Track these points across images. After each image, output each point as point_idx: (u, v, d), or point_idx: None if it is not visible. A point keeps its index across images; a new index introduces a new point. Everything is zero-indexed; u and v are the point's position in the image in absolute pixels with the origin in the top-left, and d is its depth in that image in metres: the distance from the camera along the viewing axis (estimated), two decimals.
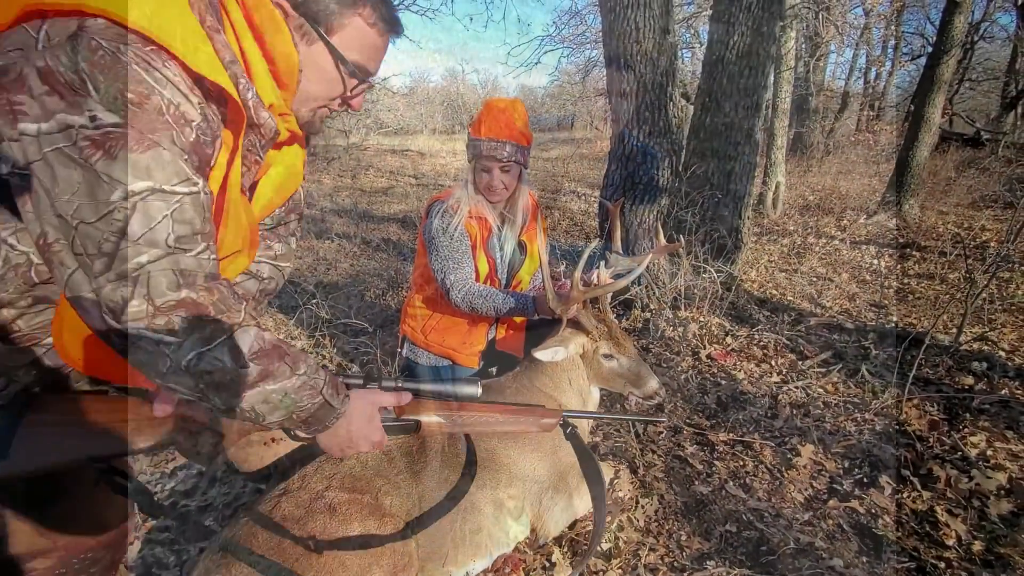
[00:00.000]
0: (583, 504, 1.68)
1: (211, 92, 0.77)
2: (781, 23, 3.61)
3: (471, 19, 33.28)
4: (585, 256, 1.57)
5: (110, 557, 1.10)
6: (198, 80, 0.74)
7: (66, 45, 0.65)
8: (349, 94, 0.97)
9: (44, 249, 0.71)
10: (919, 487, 1.82)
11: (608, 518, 1.71)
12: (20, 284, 0.79)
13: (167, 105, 0.70)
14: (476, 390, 1.11)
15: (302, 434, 0.94)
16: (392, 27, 0.94)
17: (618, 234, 2.01)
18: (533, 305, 1.80)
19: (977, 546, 1.59)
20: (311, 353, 2.91)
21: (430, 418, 1.07)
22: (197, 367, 0.74)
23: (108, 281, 0.69)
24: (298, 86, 0.91)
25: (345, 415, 0.95)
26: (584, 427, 1.77)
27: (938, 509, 1.72)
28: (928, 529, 1.67)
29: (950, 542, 1.61)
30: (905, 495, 1.80)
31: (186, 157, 0.73)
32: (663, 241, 2.01)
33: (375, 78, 0.99)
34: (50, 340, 0.83)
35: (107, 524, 1.05)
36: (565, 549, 1.61)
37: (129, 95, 0.67)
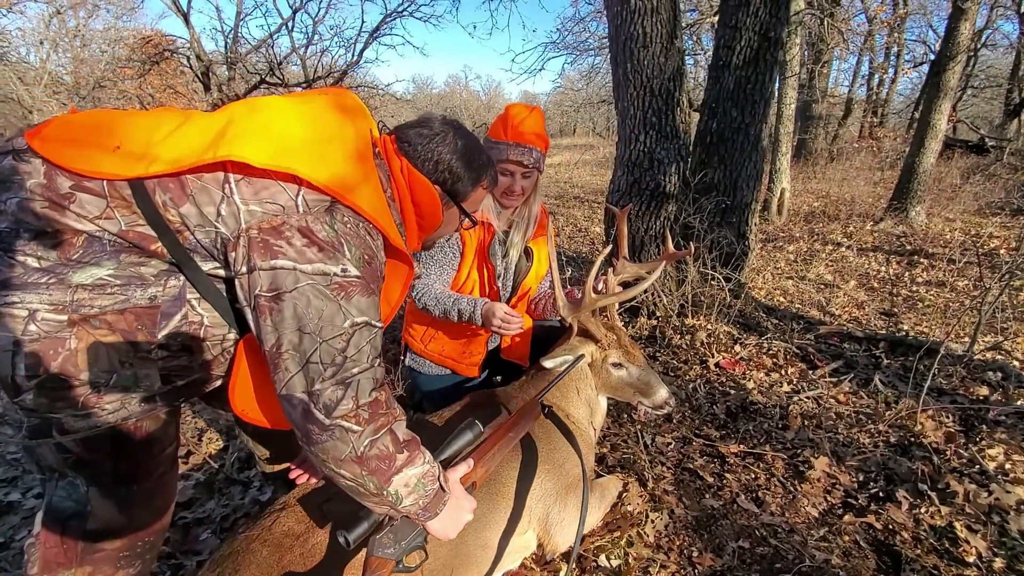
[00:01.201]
0: (592, 518, 1.63)
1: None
2: (787, 28, 3.59)
3: (475, 27, 33.56)
4: (598, 263, 1.54)
5: (158, 545, 1.18)
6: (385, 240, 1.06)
7: (325, 216, 0.95)
8: (459, 228, 1.35)
9: (273, 355, 0.91)
10: (937, 502, 1.76)
11: (617, 533, 1.66)
12: (186, 337, 1.00)
13: (379, 265, 1.03)
14: (479, 428, 1.19)
15: (421, 520, 1.04)
16: (496, 183, 1.33)
17: (626, 241, 1.97)
18: (480, 313, 1.72)
19: (998, 563, 1.54)
20: None
21: (477, 473, 1.17)
22: (369, 452, 0.93)
23: (330, 384, 0.91)
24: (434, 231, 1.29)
25: (451, 497, 1.08)
26: (591, 437, 1.72)
27: (957, 525, 1.67)
28: (947, 546, 1.62)
29: (970, 559, 1.56)
30: (923, 510, 1.75)
31: (379, 299, 1.03)
32: (671, 248, 1.96)
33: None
34: (173, 379, 1.03)
35: (169, 507, 1.17)
36: (573, 565, 1.56)
37: (365, 257, 0.98)
